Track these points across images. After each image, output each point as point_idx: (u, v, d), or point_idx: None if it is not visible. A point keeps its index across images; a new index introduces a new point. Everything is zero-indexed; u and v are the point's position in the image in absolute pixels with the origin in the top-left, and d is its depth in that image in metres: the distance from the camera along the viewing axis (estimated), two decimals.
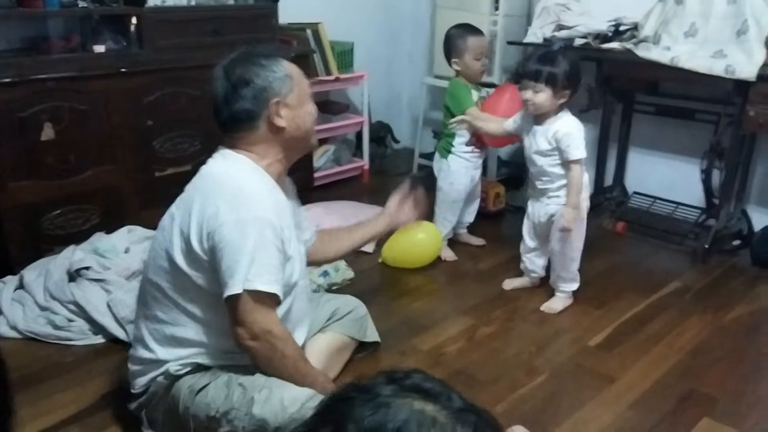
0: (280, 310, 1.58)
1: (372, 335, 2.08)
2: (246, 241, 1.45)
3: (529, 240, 2.49)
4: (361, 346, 2.07)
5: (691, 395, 1.94)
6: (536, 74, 2.19)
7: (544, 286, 2.53)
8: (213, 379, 1.56)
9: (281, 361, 1.53)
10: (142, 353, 1.64)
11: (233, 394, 1.51)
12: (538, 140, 2.28)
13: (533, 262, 2.51)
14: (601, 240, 3.02)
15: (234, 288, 1.45)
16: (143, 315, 1.66)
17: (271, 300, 1.50)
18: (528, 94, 2.22)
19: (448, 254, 2.85)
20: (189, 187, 1.60)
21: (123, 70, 2.59)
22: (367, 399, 0.63)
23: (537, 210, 2.41)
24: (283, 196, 1.64)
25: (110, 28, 2.72)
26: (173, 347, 1.60)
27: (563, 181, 2.29)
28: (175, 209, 1.58)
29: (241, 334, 1.49)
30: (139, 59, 2.69)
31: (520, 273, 2.59)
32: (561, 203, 2.31)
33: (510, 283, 2.58)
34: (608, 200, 3.30)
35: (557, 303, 2.42)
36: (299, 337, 1.72)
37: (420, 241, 2.70)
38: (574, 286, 2.43)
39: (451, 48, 2.72)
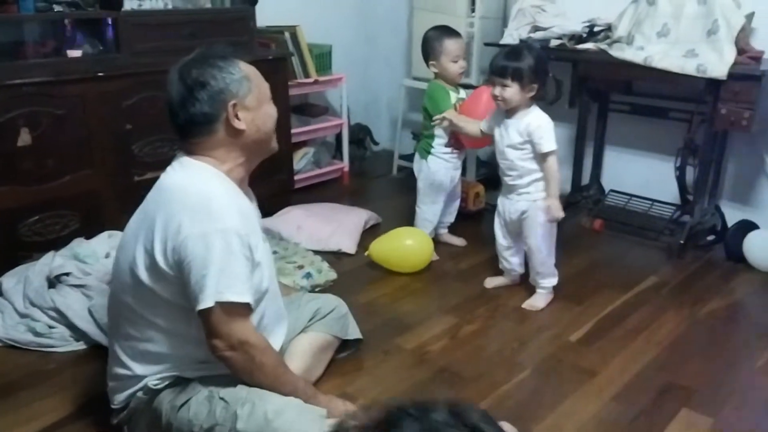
0: (254, 318, 1.57)
1: (354, 332, 2.09)
2: (212, 253, 1.42)
3: (501, 238, 2.51)
4: (344, 345, 2.08)
5: (669, 387, 1.99)
6: (503, 70, 2.24)
7: (525, 284, 2.57)
8: (194, 393, 1.54)
9: (260, 370, 1.52)
10: (119, 371, 1.61)
11: (216, 409, 1.50)
12: (510, 133, 2.32)
13: (509, 261, 2.54)
14: (578, 238, 3.07)
15: (205, 302, 1.42)
16: (115, 333, 1.63)
17: (244, 309, 1.48)
18: (497, 90, 2.27)
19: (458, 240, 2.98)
20: (148, 203, 1.56)
21: (100, 74, 2.57)
22: (421, 420, 0.62)
23: (507, 207, 2.43)
24: (247, 202, 1.62)
25: (87, 32, 2.70)
26: (148, 363, 1.57)
27: (533, 176, 2.33)
28: (135, 226, 1.55)
29: (217, 346, 1.47)
30: (116, 63, 2.67)
31: (500, 272, 2.62)
32: (531, 199, 2.35)
33: (491, 282, 2.61)
34: (585, 198, 3.35)
35: (539, 300, 2.46)
36: (276, 342, 1.71)
37: (407, 248, 2.71)
38: (554, 281, 2.46)
39: (428, 50, 2.75)
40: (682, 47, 2.74)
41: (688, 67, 2.66)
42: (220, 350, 1.48)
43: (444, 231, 3.01)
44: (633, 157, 3.34)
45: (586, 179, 3.42)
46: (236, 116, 1.53)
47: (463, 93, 2.83)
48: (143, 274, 1.50)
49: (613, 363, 2.11)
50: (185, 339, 1.55)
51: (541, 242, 2.38)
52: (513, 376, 2.04)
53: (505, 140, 2.35)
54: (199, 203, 1.47)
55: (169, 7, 2.89)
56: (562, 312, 2.43)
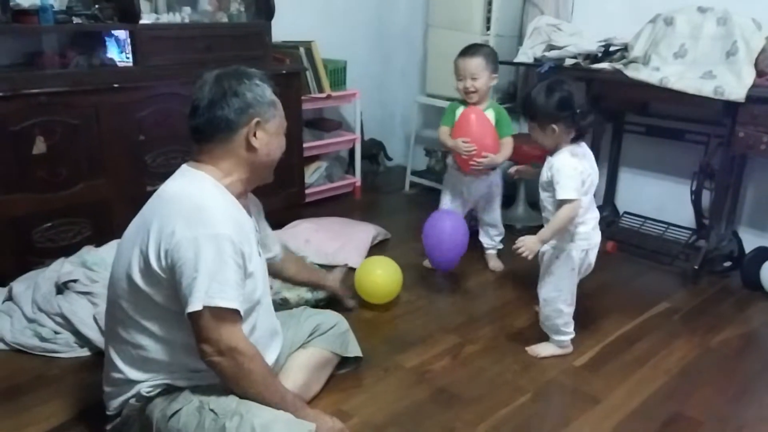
0: (245, 328, 1.57)
1: (354, 350, 2.07)
2: (204, 258, 1.44)
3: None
4: (344, 362, 2.07)
5: (676, 418, 1.93)
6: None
7: (531, 306, 2.51)
8: (185, 403, 1.55)
9: (248, 378, 1.52)
10: (113, 374, 1.63)
11: (205, 420, 1.50)
12: (544, 171, 2.17)
13: None
14: None
15: (194, 305, 1.44)
16: (111, 337, 1.65)
17: (233, 316, 1.49)
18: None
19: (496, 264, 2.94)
20: (146, 209, 1.59)
21: (115, 85, 2.62)
22: None
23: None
24: (245, 214, 1.64)
25: (104, 44, 2.76)
26: (141, 369, 1.59)
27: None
28: (133, 231, 1.58)
29: (206, 351, 1.48)
30: (131, 75, 2.72)
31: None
32: (552, 244, 2.15)
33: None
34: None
35: (544, 349, 2.25)
36: (270, 358, 1.71)
37: (378, 277, 2.53)
38: (564, 338, 2.24)
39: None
40: (700, 68, 2.70)
41: (706, 89, 2.62)
42: (209, 355, 1.48)
43: (492, 252, 2.99)
44: (648, 180, 3.29)
45: (599, 200, 3.37)
46: (256, 134, 1.59)
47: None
48: (138, 278, 1.52)
49: (618, 390, 2.05)
50: (178, 346, 1.56)
51: (549, 293, 2.18)
52: (513, 399, 2.00)
53: (541, 178, 2.19)
54: (194, 210, 1.50)
55: (186, 21, 2.94)
56: None
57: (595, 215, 2.18)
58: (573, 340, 2.29)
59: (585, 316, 2.50)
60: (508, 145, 2.72)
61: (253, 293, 1.60)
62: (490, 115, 2.72)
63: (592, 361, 2.22)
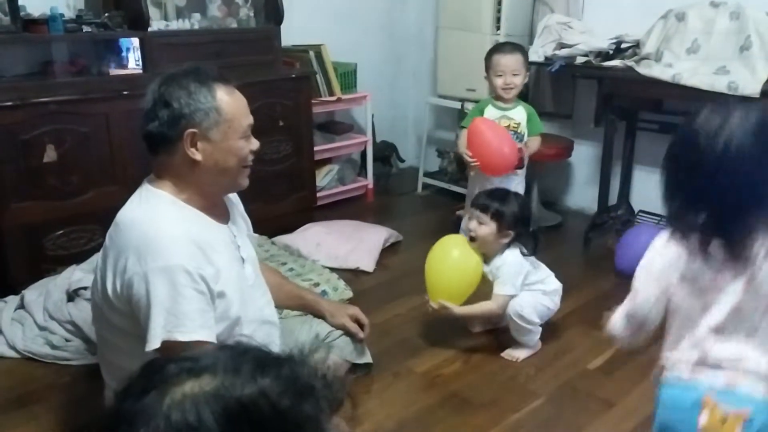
0: None
1: (364, 357, 2.06)
2: (156, 294, 1.38)
3: None
4: (354, 368, 2.05)
5: None
6: (484, 207, 2.17)
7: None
8: None
9: None
10: (107, 392, 1.64)
11: None
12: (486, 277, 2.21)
13: None
14: (604, 259, 2.97)
15: (153, 342, 1.39)
16: (101, 360, 1.66)
17: (201, 344, 1.41)
18: (473, 225, 2.18)
19: None
20: (108, 236, 1.54)
21: (125, 92, 2.63)
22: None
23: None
24: (210, 228, 1.54)
25: (114, 52, 2.77)
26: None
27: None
28: (100, 261, 1.54)
29: None
30: (141, 82, 2.72)
31: None
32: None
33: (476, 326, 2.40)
34: (613, 219, 3.25)
35: (521, 351, 2.24)
36: None
37: (456, 260, 2.23)
38: (536, 337, 2.25)
39: (485, 64, 2.75)
40: (713, 64, 2.65)
41: (719, 85, 2.57)
42: None
43: None
44: None
45: (613, 199, 3.33)
46: (194, 146, 1.45)
47: (513, 112, 2.72)
48: (104, 305, 1.51)
49: (633, 393, 2.01)
50: None
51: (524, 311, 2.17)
52: (526, 403, 1.97)
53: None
54: (143, 241, 1.42)
55: (196, 27, 2.95)
56: (581, 338, 2.34)
57: None
58: (587, 343, 2.26)
59: (599, 318, 2.45)
60: (536, 142, 2.74)
61: (227, 311, 1.52)
62: (521, 112, 2.73)
63: (606, 364, 2.18)
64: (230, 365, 0.61)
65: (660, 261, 1.29)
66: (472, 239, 2.19)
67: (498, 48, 2.74)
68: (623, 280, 2.70)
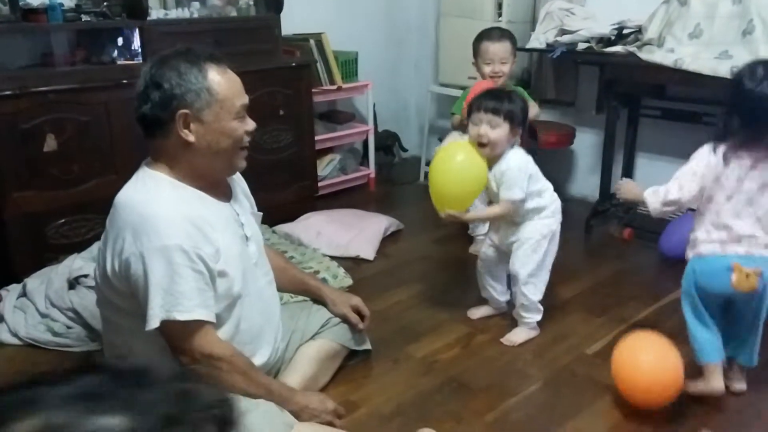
0: (228, 327, 1.55)
1: (363, 343, 2.06)
2: (153, 273, 1.40)
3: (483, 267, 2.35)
4: (353, 353, 2.06)
5: (690, 405, 1.88)
6: (496, 110, 2.05)
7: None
8: None
9: (230, 379, 1.50)
10: None
11: None
12: (491, 183, 2.14)
13: (494, 288, 2.35)
14: (606, 246, 2.97)
15: (152, 322, 1.42)
16: (105, 343, 1.68)
17: (200, 323, 1.46)
18: (483, 129, 2.05)
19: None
20: (107, 220, 1.56)
21: (124, 81, 2.64)
22: None
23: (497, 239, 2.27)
24: (209, 208, 1.54)
25: (113, 41, 2.78)
26: None
27: (529, 215, 2.17)
28: (101, 243, 1.57)
29: (183, 361, 1.48)
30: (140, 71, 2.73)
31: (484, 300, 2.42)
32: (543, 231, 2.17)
33: (475, 313, 2.39)
34: (615, 207, 3.23)
35: (518, 335, 2.22)
36: (264, 354, 1.69)
37: (459, 164, 2.12)
38: (538, 316, 2.23)
39: (473, 50, 2.75)
40: (716, 49, 2.63)
41: (722, 70, 2.54)
42: (186, 365, 1.48)
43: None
44: (666, 165, 3.19)
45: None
46: (187, 127, 1.45)
47: None
48: (105, 286, 1.53)
49: None
50: (163, 348, 1.53)
51: (532, 269, 2.17)
52: (523, 388, 1.97)
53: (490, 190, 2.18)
54: (139, 221, 1.43)
55: (195, 16, 2.95)
56: (580, 323, 2.34)
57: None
58: (586, 329, 2.26)
59: (599, 304, 2.46)
60: (534, 107, 2.71)
61: (229, 290, 1.54)
62: None
63: (605, 349, 2.16)
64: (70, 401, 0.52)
65: (703, 165, 1.81)
66: (482, 145, 2.07)
67: (486, 35, 2.73)
68: (627, 268, 2.73)
